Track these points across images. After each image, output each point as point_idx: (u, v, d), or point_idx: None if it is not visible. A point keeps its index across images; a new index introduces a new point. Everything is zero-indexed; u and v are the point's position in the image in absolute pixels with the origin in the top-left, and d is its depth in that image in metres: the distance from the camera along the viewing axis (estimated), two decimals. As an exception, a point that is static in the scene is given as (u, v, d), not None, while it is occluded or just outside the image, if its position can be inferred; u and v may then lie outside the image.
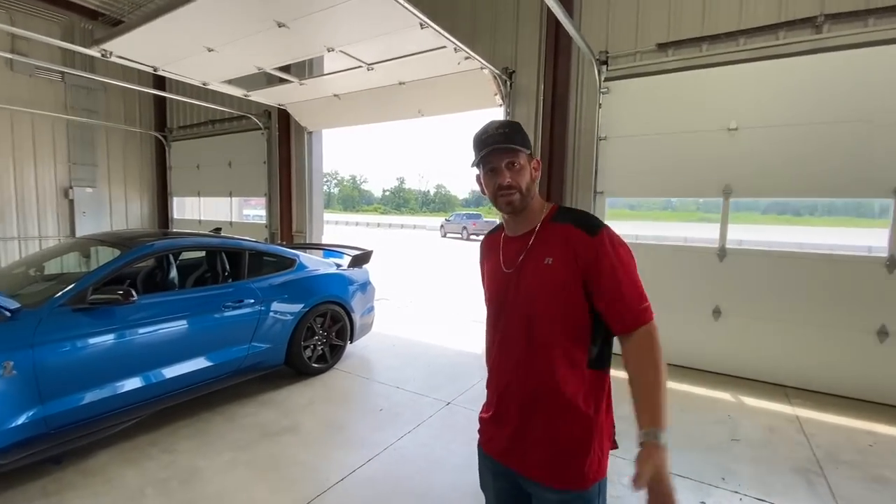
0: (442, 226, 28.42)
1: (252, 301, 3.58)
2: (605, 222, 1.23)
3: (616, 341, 1.22)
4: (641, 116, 4.82)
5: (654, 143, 4.75)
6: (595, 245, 1.16)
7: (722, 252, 4.50)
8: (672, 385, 4.04)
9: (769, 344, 4.25)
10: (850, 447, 3.06)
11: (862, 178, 3.86)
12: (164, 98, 9.37)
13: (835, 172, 3.95)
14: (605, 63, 4.95)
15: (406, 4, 3.60)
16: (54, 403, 2.55)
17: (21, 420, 2.41)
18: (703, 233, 4.94)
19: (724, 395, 3.90)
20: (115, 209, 9.43)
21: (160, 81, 8.81)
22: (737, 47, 4.32)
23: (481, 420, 1.41)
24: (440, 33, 4.13)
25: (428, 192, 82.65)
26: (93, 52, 4.78)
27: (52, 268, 3.64)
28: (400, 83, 5.73)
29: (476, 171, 1.31)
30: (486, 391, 1.40)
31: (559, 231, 1.22)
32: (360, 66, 5.21)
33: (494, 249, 1.38)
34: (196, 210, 9.75)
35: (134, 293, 2.78)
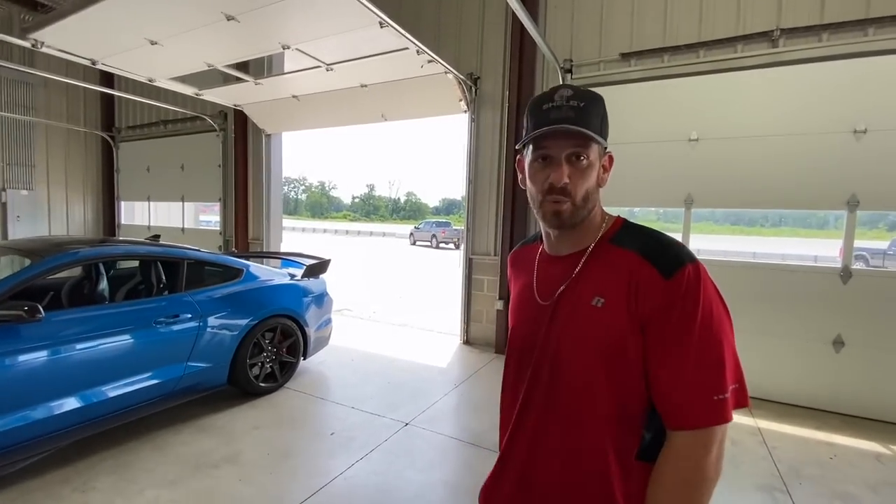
0: (411, 234, 28.17)
1: (189, 315, 3.26)
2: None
3: None
4: (609, 126, 4.78)
5: (618, 152, 4.58)
6: (670, 291, 0.79)
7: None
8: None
9: (779, 361, 4.08)
10: (812, 460, 3.03)
11: (816, 190, 3.93)
12: (111, 96, 8.80)
13: (791, 184, 4.00)
14: (570, 71, 4.92)
15: (364, 1, 3.42)
16: (-64, 440, 2.18)
17: None
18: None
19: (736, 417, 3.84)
20: (55, 213, 8.74)
21: (108, 78, 8.28)
22: (697, 59, 4.36)
23: (483, 498, 1.03)
24: (401, 34, 3.96)
25: (398, 199, 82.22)
26: (22, 42, 4.35)
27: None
28: (362, 85, 5.52)
29: (526, 152, 0.92)
30: (496, 457, 1.02)
31: (620, 260, 0.87)
32: (318, 67, 4.97)
33: (527, 269, 1.04)
34: (146, 215, 9.16)
35: (41, 309, 2.43)
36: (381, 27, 3.82)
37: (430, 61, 4.64)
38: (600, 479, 0.85)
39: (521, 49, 5.17)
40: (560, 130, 0.84)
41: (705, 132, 4.34)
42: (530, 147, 0.90)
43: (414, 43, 4.16)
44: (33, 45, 4.33)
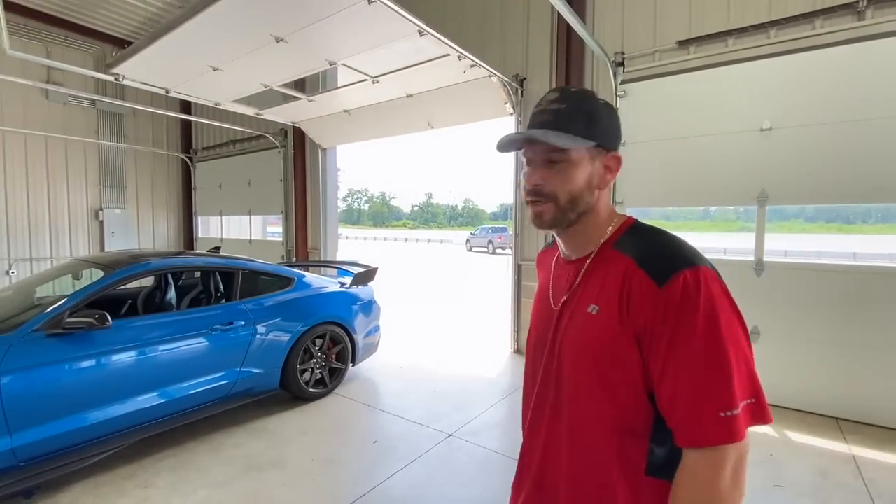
0: (467, 240, 28.17)
1: (243, 323, 3.43)
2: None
3: None
4: (663, 119, 4.46)
5: (678, 147, 4.37)
6: (664, 300, 0.74)
7: (759, 266, 4.03)
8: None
9: (818, 370, 3.73)
10: (925, 500, 2.55)
11: (922, 180, 3.37)
12: (189, 121, 9.66)
13: (887, 174, 3.46)
14: (622, 65, 4.64)
15: (401, 11, 3.45)
16: (24, 434, 2.43)
17: (-14, 453, 2.30)
18: (744, 244, 4.48)
19: (764, 429, 3.42)
20: (143, 229, 9.71)
21: (187, 106, 9.12)
22: (767, 40, 3.93)
23: (513, 488, 1.05)
24: (441, 41, 3.95)
25: (456, 206, 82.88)
26: (108, 76, 4.89)
27: (63, 289, 3.61)
28: (408, 95, 5.59)
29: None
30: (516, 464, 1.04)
31: (616, 266, 0.83)
32: (365, 80, 5.10)
33: (546, 270, 1.04)
34: (218, 229, 9.92)
35: (109, 317, 2.66)
36: (421, 35, 3.84)
37: (472, 66, 4.59)
38: (604, 490, 0.82)
39: (569, 46, 4.97)
40: (519, 137, 0.86)
41: (780, 120, 3.88)
42: (524, 150, 0.91)
43: (455, 49, 4.14)
44: (116, 79, 4.84)
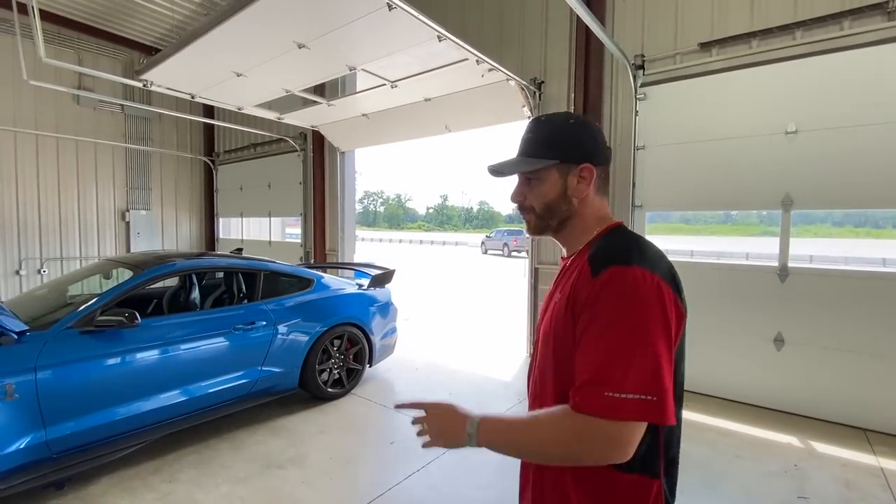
0: (483, 242, 28.12)
1: (264, 323, 3.50)
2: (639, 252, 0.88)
3: (683, 434, 0.95)
4: (683, 123, 4.41)
5: (699, 150, 4.31)
6: (593, 289, 0.83)
7: (783, 271, 3.95)
8: (726, 424, 3.54)
9: (845, 379, 3.63)
10: (959, 516, 2.46)
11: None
12: (212, 125, 9.90)
13: (922, 178, 3.36)
14: (642, 67, 4.60)
15: (420, 16, 3.49)
16: (57, 427, 2.53)
17: (22, 444, 2.40)
18: (766, 248, 4.37)
19: (789, 439, 3.34)
20: (167, 230, 9.97)
21: (210, 110, 9.35)
22: (793, 41, 3.85)
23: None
24: (459, 45, 3.98)
25: (471, 208, 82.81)
26: (136, 82, 5.05)
27: (92, 288, 3.74)
28: (425, 99, 5.63)
29: None
30: None
31: (579, 261, 0.94)
32: (383, 84, 5.16)
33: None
34: (239, 230, 10.12)
35: (138, 316, 2.75)
36: (440, 40, 3.87)
37: (490, 70, 4.61)
38: (576, 491, 0.90)
39: (587, 49, 4.95)
40: (492, 168, 1.02)
41: (806, 123, 3.80)
42: None
43: (473, 53, 4.16)
44: (144, 85, 5.01)
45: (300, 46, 4.09)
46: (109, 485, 2.69)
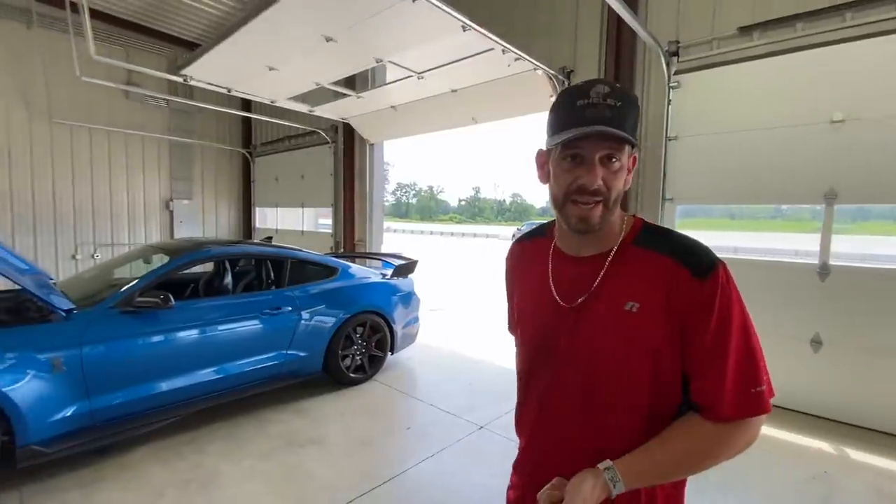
0: (514, 235, 27.90)
1: (289, 308, 3.65)
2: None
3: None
4: (720, 111, 4.22)
5: (736, 141, 4.11)
6: (705, 293, 0.80)
7: (824, 269, 3.73)
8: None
9: (885, 384, 3.41)
10: None
11: None
12: (249, 118, 10.25)
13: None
14: (676, 54, 4.42)
15: (443, 6, 3.48)
16: (100, 398, 2.74)
17: (69, 412, 2.62)
18: (809, 245, 4.12)
19: (821, 444, 3.18)
20: (208, 219, 10.45)
21: (247, 104, 9.68)
22: (842, 23, 3.59)
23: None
24: (485, 35, 3.95)
25: (503, 200, 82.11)
26: (176, 77, 5.31)
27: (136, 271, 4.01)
28: (452, 91, 5.63)
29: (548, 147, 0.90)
30: (511, 471, 1.09)
31: (649, 263, 0.85)
32: (410, 76, 5.19)
33: (538, 264, 0.99)
34: (274, 220, 10.49)
35: (171, 299, 2.93)
36: (464, 31, 3.85)
37: (517, 59, 4.55)
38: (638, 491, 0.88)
39: (619, 36, 4.80)
40: (601, 133, 0.79)
41: (854, 111, 3.56)
42: (559, 147, 0.85)
43: (498, 42, 4.12)
44: (184, 80, 5.25)
45: (328, 40, 4.17)
46: (146, 453, 2.90)
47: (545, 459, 0.97)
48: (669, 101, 4.46)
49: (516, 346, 1.13)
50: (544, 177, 0.93)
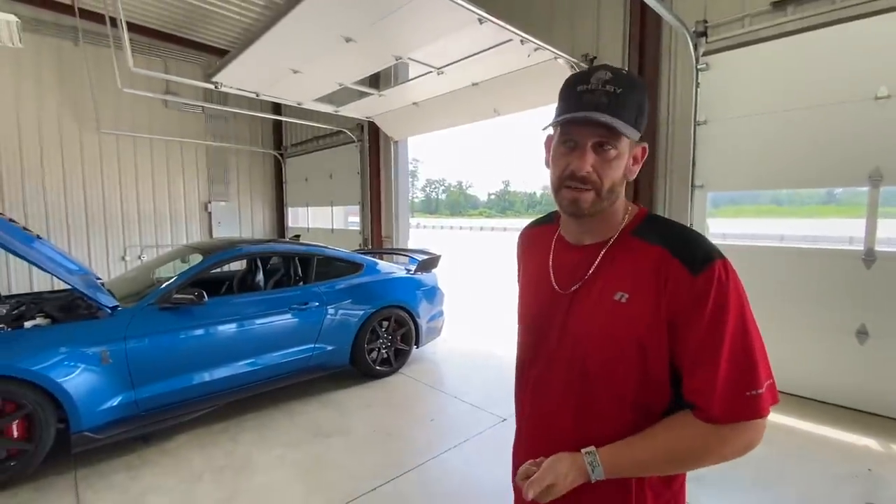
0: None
1: (316, 304, 3.77)
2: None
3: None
4: (752, 92, 4.02)
5: (770, 122, 3.91)
6: (697, 289, 0.77)
7: (869, 256, 3.51)
8: (792, 422, 3.27)
9: None
10: None
11: None
12: (280, 121, 10.57)
13: None
14: (704, 34, 4.23)
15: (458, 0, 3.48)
16: (144, 388, 2.94)
17: (115, 402, 2.83)
18: (856, 231, 3.88)
19: (865, 441, 3.01)
20: (244, 219, 10.88)
21: (278, 107, 9.99)
22: (887, -9, 3.35)
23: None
24: (502, 26, 3.92)
25: (534, 193, 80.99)
26: (208, 84, 5.55)
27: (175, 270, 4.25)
28: (473, 84, 5.61)
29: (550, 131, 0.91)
30: (512, 454, 1.09)
31: (644, 254, 0.84)
32: (430, 72, 5.22)
33: (542, 251, 1.01)
34: (306, 219, 10.79)
35: (205, 295, 3.09)
36: (481, 23, 3.84)
37: (536, 49, 4.49)
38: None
39: (643, 18, 4.64)
40: (588, 119, 0.79)
41: (901, 85, 3.32)
42: (559, 129, 0.87)
43: (516, 33, 4.08)
44: (216, 86, 5.48)
45: (347, 40, 4.25)
46: (185, 440, 3.08)
47: (537, 446, 0.96)
48: (698, 83, 4.29)
49: (517, 332, 1.13)
50: (548, 161, 0.93)
